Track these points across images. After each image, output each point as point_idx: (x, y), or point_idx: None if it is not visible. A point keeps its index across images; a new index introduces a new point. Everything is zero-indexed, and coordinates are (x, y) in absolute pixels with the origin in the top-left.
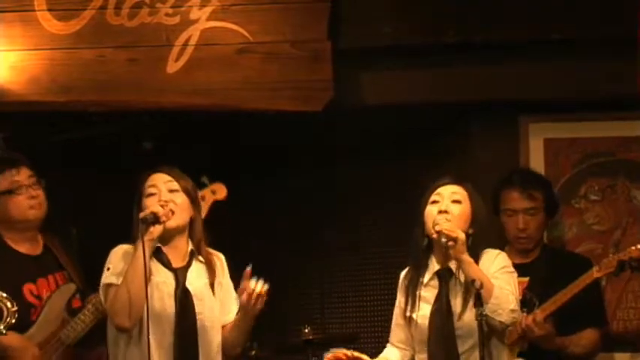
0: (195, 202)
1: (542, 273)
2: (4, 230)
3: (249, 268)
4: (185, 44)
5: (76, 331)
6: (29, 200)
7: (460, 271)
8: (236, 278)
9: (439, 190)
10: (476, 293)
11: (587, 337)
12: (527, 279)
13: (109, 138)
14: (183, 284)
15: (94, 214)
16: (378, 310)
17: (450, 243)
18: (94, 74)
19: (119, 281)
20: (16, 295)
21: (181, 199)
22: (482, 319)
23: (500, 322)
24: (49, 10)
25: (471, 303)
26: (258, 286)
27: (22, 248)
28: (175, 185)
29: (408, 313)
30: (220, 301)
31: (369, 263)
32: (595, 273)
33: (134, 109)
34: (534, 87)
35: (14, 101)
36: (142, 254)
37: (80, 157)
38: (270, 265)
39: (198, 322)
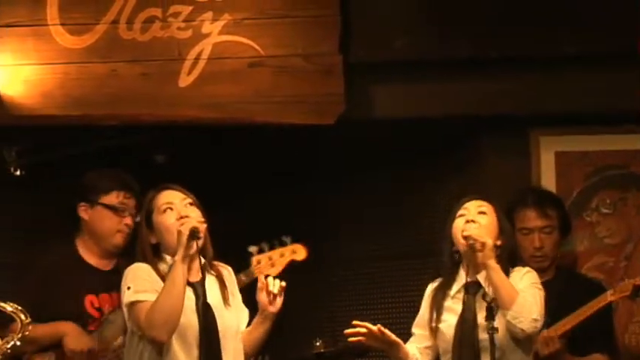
0: (204, 217)
1: (555, 294)
2: (87, 239)
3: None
4: (197, 58)
5: None
6: (122, 225)
7: (488, 284)
8: (246, 290)
9: (466, 205)
10: (487, 307)
11: None
12: None
13: (122, 152)
14: (204, 298)
15: None
16: (390, 323)
17: (478, 246)
18: (106, 88)
19: (147, 298)
20: (76, 304)
21: (197, 213)
22: (493, 332)
23: (522, 329)
24: (62, 24)
25: (498, 315)
26: (276, 284)
27: (93, 261)
28: (191, 200)
29: (433, 324)
30: (235, 310)
31: (380, 276)
32: (609, 296)
33: (146, 122)
34: (545, 100)
35: (27, 115)
36: (180, 269)
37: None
38: (281, 276)
39: (220, 333)
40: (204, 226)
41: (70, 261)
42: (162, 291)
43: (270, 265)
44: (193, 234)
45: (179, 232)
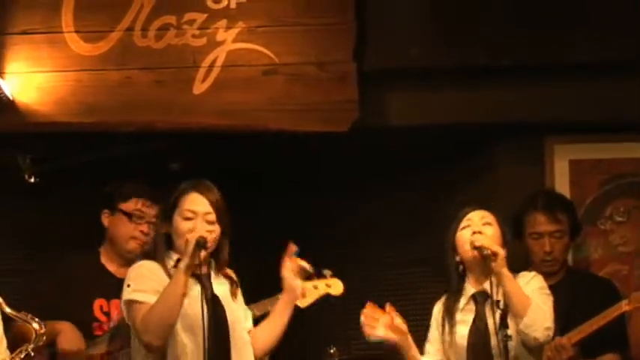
0: (224, 224)
1: (566, 296)
2: (109, 247)
3: (294, 247)
4: (211, 66)
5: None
6: (137, 232)
7: (495, 292)
8: (253, 292)
9: (468, 215)
10: (500, 314)
11: None
12: None
13: (136, 159)
14: (211, 290)
15: None
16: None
17: (492, 255)
18: (120, 96)
19: (145, 299)
20: (84, 307)
21: (214, 228)
22: (507, 340)
23: (535, 338)
24: (77, 31)
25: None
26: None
27: (112, 267)
28: (213, 217)
29: (447, 337)
30: (241, 306)
31: (395, 283)
32: (624, 306)
33: (161, 130)
34: (559, 108)
35: (41, 122)
36: (182, 278)
37: (107, 179)
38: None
39: (229, 325)
40: (213, 235)
41: (88, 267)
42: (160, 297)
43: (301, 295)
44: (199, 244)
45: (186, 241)
